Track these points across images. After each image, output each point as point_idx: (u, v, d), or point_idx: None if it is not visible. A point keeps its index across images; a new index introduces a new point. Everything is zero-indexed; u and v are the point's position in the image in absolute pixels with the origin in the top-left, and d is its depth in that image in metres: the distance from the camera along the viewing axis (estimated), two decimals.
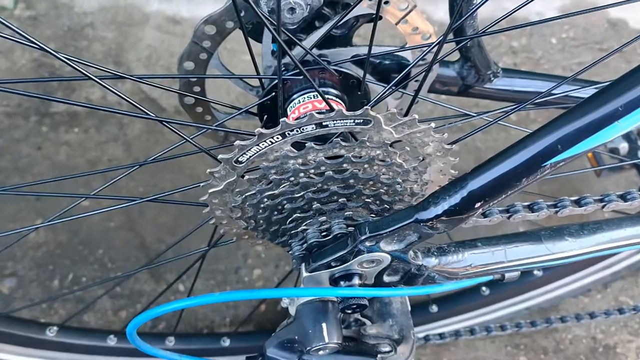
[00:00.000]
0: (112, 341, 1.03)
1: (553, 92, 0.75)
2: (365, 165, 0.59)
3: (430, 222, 0.52)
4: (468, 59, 0.78)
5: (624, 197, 0.63)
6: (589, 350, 1.35)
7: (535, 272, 1.07)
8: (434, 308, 1.15)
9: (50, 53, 0.49)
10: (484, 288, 1.13)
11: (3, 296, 1.29)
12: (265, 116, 0.72)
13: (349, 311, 0.60)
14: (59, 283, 1.32)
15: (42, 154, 1.48)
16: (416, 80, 0.78)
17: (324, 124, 0.55)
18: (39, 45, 0.49)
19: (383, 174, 0.60)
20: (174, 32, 1.67)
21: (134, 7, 1.68)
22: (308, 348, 0.61)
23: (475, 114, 0.69)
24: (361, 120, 0.56)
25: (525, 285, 1.12)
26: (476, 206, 0.50)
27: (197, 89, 0.73)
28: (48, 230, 1.39)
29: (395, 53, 0.76)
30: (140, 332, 1.16)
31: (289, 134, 0.55)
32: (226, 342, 1.13)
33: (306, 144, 0.56)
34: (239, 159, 0.57)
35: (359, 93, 0.71)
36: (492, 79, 0.80)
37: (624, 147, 1.32)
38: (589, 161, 1.33)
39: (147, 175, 1.44)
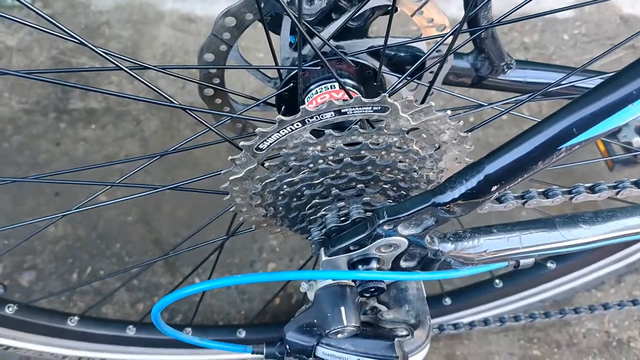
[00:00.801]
0: (131, 331, 1.05)
1: (565, 82, 0.76)
2: (383, 152, 0.60)
3: (447, 205, 0.53)
4: (482, 51, 0.79)
5: (638, 184, 0.63)
6: (602, 344, 1.35)
7: (549, 264, 1.08)
8: (447, 301, 1.16)
9: (83, 44, 0.51)
10: (497, 280, 1.13)
11: (23, 289, 1.31)
12: (283, 107, 0.74)
13: (367, 295, 0.61)
14: (78, 276, 1.35)
15: (60, 150, 1.50)
16: (430, 72, 0.79)
17: (342, 111, 0.56)
18: (74, 36, 0.51)
19: (400, 161, 0.61)
20: (189, 30, 1.69)
21: (149, 5, 1.71)
22: (327, 331, 0.62)
23: (487, 104, 0.70)
24: (379, 108, 0.57)
25: (538, 277, 1.12)
26: (492, 189, 0.52)
27: (216, 80, 0.74)
28: (67, 225, 1.41)
29: (411, 45, 0.77)
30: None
31: (308, 121, 0.57)
32: (242, 334, 1.15)
33: (325, 131, 0.58)
34: (260, 146, 0.59)
35: (375, 84, 0.73)
36: (506, 70, 0.81)
37: (637, 140, 1.33)
38: (602, 154, 1.34)
39: (163, 171, 1.46)
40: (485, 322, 1.12)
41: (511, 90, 0.85)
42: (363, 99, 0.55)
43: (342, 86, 0.58)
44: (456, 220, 0.91)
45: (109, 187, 0.74)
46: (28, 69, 1.59)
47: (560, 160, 0.49)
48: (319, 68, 0.69)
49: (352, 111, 0.57)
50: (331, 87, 0.69)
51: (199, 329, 1.15)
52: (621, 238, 0.67)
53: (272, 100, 0.75)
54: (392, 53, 0.77)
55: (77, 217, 1.41)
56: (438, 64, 0.65)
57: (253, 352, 0.71)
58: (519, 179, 0.51)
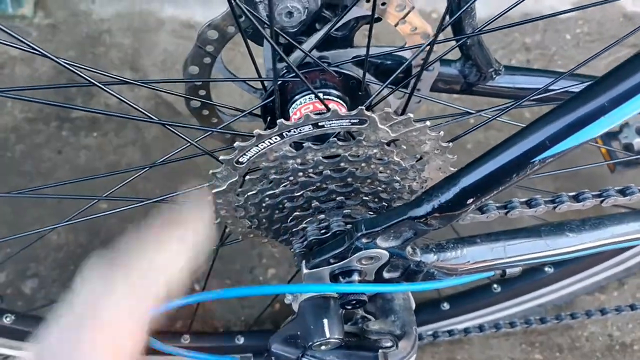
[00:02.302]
0: None
1: (555, 87, 0.75)
2: (363, 164, 0.60)
3: (424, 219, 0.53)
4: (469, 57, 0.78)
5: (623, 192, 0.63)
6: (605, 347, 1.34)
7: (546, 268, 1.07)
8: (446, 306, 1.16)
9: (55, 61, 0.51)
10: (495, 285, 1.13)
11: (25, 296, 1.33)
12: (269, 118, 0.74)
13: (349, 307, 0.61)
14: None
15: (62, 158, 1.52)
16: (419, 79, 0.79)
17: (319, 124, 0.56)
18: (43, 54, 0.52)
19: (381, 173, 0.61)
20: (189, 36, 1.70)
21: (149, 13, 1.72)
22: (310, 343, 0.62)
23: (475, 112, 0.70)
24: (357, 120, 0.57)
25: (536, 282, 1.11)
26: (468, 202, 0.51)
27: (202, 92, 0.75)
28: (69, 233, 1.43)
29: (397, 53, 0.77)
30: (157, 330, 1.19)
31: (286, 134, 0.57)
32: (240, 340, 1.15)
33: (304, 144, 0.58)
34: (240, 160, 0.59)
35: (360, 94, 0.73)
36: (494, 76, 0.81)
37: (638, 142, 1.31)
38: (603, 157, 1.32)
39: (163, 178, 1.47)
40: (480, 328, 1.11)
41: (501, 96, 0.84)
42: (340, 112, 0.55)
43: (319, 98, 0.58)
44: (450, 228, 0.91)
45: (96, 200, 0.74)
46: (31, 78, 1.60)
47: (535, 172, 0.49)
48: (299, 79, 0.69)
49: (330, 124, 0.57)
50: (315, 98, 0.69)
51: (197, 336, 1.16)
52: (608, 246, 0.67)
53: (259, 111, 0.76)
54: (379, 62, 0.77)
55: (79, 225, 1.42)
56: (417, 73, 0.65)
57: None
58: (495, 192, 0.51)
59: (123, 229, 1.39)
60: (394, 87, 0.73)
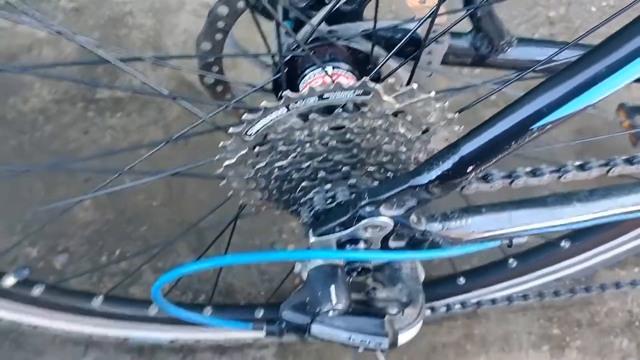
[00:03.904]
0: (153, 311, 1.10)
1: (565, 57, 0.75)
2: (368, 135, 0.62)
3: (425, 187, 0.55)
4: (480, 29, 0.78)
5: (630, 161, 0.63)
6: (624, 323, 1.33)
7: (562, 243, 1.07)
8: (462, 280, 1.16)
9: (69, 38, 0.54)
10: (511, 260, 1.13)
11: (56, 271, 1.39)
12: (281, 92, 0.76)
13: (355, 274, 0.63)
14: (107, 258, 1.41)
15: (88, 138, 1.56)
16: (429, 53, 0.79)
17: (324, 96, 0.58)
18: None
19: (386, 144, 0.63)
20: None
21: None
22: (318, 310, 0.64)
23: (481, 83, 0.70)
24: (361, 92, 0.58)
25: (553, 257, 1.11)
26: (468, 170, 0.52)
27: (215, 68, 0.77)
28: (96, 210, 1.48)
29: (407, 27, 0.77)
30: (181, 302, 1.23)
31: (292, 106, 0.59)
32: (260, 313, 1.18)
33: (309, 116, 0.59)
34: (248, 132, 0.61)
35: (369, 67, 0.74)
36: (507, 48, 0.80)
37: None
38: (625, 128, 1.30)
39: (185, 153, 1.50)
40: (494, 301, 1.12)
41: (515, 68, 0.84)
42: (342, 83, 0.57)
43: (324, 70, 0.59)
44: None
45: (118, 174, 0.77)
46: (56, 59, 1.65)
47: (533, 139, 0.50)
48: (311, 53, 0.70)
49: (335, 95, 0.58)
50: (325, 72, 0.70)
51: (219, 308, 1.19)
52: (617, 216, 0.67)
53: (271, 86, 0.77)
54: (389, 35, 0.78)
55: (106, 202, 1.47)
56: (422, 45, 0.65)
57: (254, 329, 0.74)
58: (494, 160, 0.51)
59: (148, 206, 1.43)
60: (403, 60, 0.73)
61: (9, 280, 0.92)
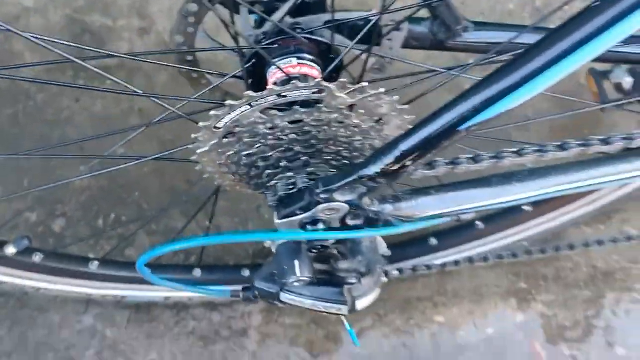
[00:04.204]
0: None
1: (520, 41, 0.80)
2: (325, 127, 0.68)
3: (371, 177, 0.62)
4: (437, 16, 0.83)
5: (562, 147, 0.69)
6: (589, 277, 1.43)
7: (525, 207, 1.15)
8: (434, 241, 1.25)
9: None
10: (478, 222, 1.21)
11: (55, 234, 1.47)
12: (250, 80, 0.81)
13: (316, 250, 0.71)
14: (103, 222, 1.50)
15: (80, 106, 1.62)
16: (390, 39, 0.85)
17: (282, 94, 0.64)
18: None
19: (342, 134, 0.69)
20: None
21: None
22: (284, 281, 0.73)
23: (441, 69, 0.76)
24: (316, 90, 0.64)
25: (516, 218, 1.19)
26: (407, 164, 0.59)
27: (189, 57, 0.82)
28: (91, 177, 1.55)
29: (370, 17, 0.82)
30: (174, 264, 1.31)
31: (255, 104, 0.65)
32: (246, 273, 1.28)
33: (270, 112, 0.66)
34: (217, 126, 0.67)
35: (332, 56, 0.79)
36: (463, 33, 0.85)
37: (627, 81, 1.34)
38: (592, 96, 1.36)
39: (177, 127, 1.55)
40: (470, 260, 1.20)
41: (472, 51, 0.89)
42: (299, 84, 0.63)
43: (279, 67, 0.65)
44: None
45: (96, 161, 0.84)
46: (45, 29, 1.68)
47: (463, 138, 0.56)
48: (275, 46, 0.76)
49: (293, 94, 0.64)
50: (289, 63, 0.76)
51: (208, 269, 1.28)
52: (553, 194, 0.74)
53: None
54: (351, 25, 0.83)
55: (99, 169, 1.54)
56: (377, 34, 0.70)
57: (232, 296, 0.83)
58: (429, 155, 0.58)
59: (140, 173, 1.52)
60: (363, 49, 0.79)
61: (10, 250, 1.00)
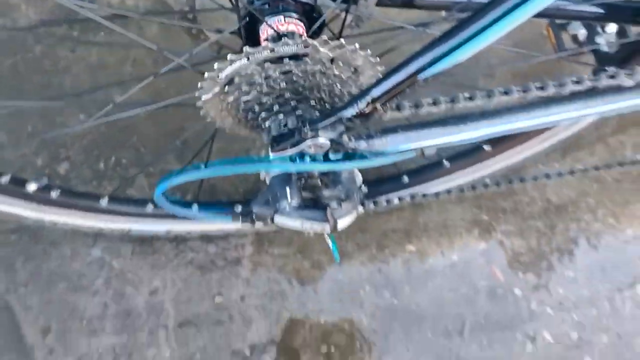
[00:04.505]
0: (149, 208, 1.34)
1: None
2: (311, 77, 0.82)
3: (349, 119, 0.76)
4: None
5: (506, 92, 0.84)
6: (542, 210, 1.61)
7: (485, 147, 1.31)
8: (405, 179, 1.41)
9: None
10: (445, 161, 1.37)
11: (61, 176, 1.60)
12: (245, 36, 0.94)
13: (303, 180, 0.86)
14: (104, 165, 1.63)
15: (76, 56, 1.72)
16: None
17: (274, 50, 0.77)
18: None
19: (324, 83, 0.83)
20: None
21: None
22: (277, 205, 0.88)
23: (408, 26, 0.89)
24: (302, 46, 0.77)
25: (477, 157, 1.35)
26: (378, 107, 0.73)
27: (190, 15, 0.94)
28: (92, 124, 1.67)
29: None
30: (176, 200, 1.46)
31: (251, 57, 0.78)
32: (238, 209, 1.43)
33: (264, 64, 0.79)
34: (219, 76, 0.81)
35: (314, 15, 0.92)
36: None
37: (582, 33, 1.48)
38: (552, 46, 1.50)
39: (178, 83, 1.67)
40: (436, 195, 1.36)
41: (437, 9, 1.02)
42: (289, 41, 0.76)
43: (269, 25, 0.78)
44: None
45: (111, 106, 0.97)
46: None
47: (420, 85, 0.71)
48: (266, 6, 0.88)
49: (283, 49, 0.77)
50: (278, 21, 0.89)
51: (204, 205, 1.43)
52: (503, 132, 0.89)
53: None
54: None
55: (101, 116, 1.65)
56: None
57: (233, 219, 0.98)
58: (394, 98, 0.73)
59: (138, 118, 1.66)
60: (344, 7, 0.91)
61: (32, 187, 1.14)
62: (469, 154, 1.35)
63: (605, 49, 1.32)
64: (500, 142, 1.31)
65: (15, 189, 1.14)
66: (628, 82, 0.87)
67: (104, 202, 1.27)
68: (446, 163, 1.37)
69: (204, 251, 1.57)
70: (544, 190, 1.63)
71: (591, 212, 1.60)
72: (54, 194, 1.19)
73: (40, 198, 1.18)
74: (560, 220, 1.60)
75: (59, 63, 1.71)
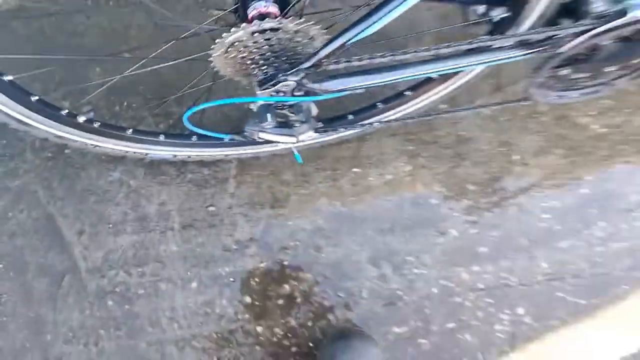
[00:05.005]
0: (161, 138, 1.81)
1: None
2: (283, 42, 1.30)
3: (307, 69, 1.25)
4: None
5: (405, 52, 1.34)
6: (454, 142, 2.14)
7: (407, 92, 1.82)
8: (350, 117, 1.91)
9: None
10: (379, 103, 1.88)
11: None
12: (239, 15, 1.41)
13: (279, 108, 1.36)
14: (119, 108, 2.09)
15: (91, 22, 2.14)
16: None
17: (260, 25, 1.25)
18: None
19: (292, 46, 1.31)
20: None
21: None
22: (261, 125, 1.38)
23: (351, 7, 1.38)
24: (279, 23, 1.25)
25: (402, 100, 1.86)
26: (324, 63, 1.23)
27: None
28: (105, 74, 2.11)
29: None
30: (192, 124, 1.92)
31: (247, 30, 1.26)
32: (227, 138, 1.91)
33: (254, 34, 1.27)
34: (226, 41, 1.28)
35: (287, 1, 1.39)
36: None
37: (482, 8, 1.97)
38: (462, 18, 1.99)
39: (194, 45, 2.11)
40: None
41: None
42: (269, 20, 1.24)
43: (255, 8, 1.26)
44: None
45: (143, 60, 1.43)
46: None
47: (353, 46, 1.20)
48: None
49: (264, 26, 1.25)
50: (261, 5, 1.36)
51: (201, 137, 1.91)
52: (413, 77, 1.39)
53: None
54: None
55: (111, 69, 2.09)
56: None
57: (230, 139, 1.48)
58: (337, 56, 1.22)
59: (142, 73, 2.15)
60: None
61: (81, 118, 1.60)
62: (396, 97, 1.86)
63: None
64: (418, 88, 1.81)
65: (69, 120, 1.60)
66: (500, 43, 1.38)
67: (129, 132, 1.74)
68: (380, 104, 1.88)
69: (200, 172, 2.04)
70: (456, 126, 2.16)
71: (489, 143, 2.14)
72: (96, 125, 1.65)
73: (87, 127, 1.64)
74: (462, 149, 2.14)
75: (77, 27, 2.13)
